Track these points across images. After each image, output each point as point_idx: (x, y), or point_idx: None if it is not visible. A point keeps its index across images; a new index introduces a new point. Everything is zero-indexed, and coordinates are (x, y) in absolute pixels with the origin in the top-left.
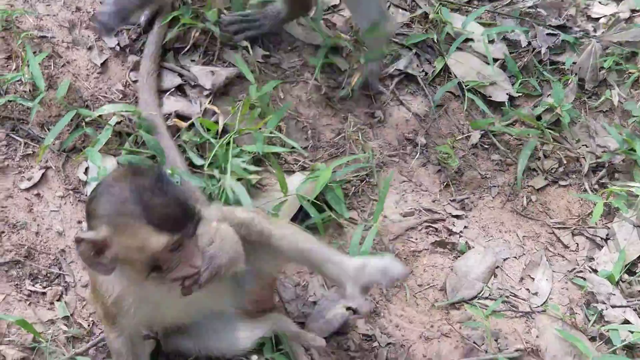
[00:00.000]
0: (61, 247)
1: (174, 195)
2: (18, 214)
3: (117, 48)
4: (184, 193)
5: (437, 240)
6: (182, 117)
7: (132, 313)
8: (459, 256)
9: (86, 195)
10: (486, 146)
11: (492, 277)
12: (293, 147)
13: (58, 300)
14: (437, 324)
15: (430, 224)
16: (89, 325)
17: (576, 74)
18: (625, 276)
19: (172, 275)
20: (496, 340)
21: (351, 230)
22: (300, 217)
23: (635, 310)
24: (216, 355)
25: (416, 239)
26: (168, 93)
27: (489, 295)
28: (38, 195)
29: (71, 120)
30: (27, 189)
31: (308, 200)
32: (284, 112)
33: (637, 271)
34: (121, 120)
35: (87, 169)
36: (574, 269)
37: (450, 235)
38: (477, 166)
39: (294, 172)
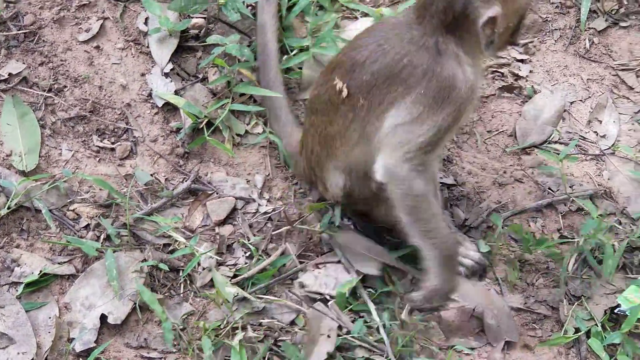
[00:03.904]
0: (126, 101)
1: None
2: (79, 68)
3: None
4: None
5: (504, 85)
6: None
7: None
8: (526, 101)
9: (147, 47)
10: None
11: (561, 120)
12: None
13: (128, 156)
14: (510, 170)
15: (495, 69)
16: (165, 180)
17: None
18: None
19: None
20: (571, 188)
21: None
22: None
23: None
24: None
25: (482, 85)
26: None
27: (559, 139)
28: (98, 47)
29: None
30: (86, 41)
31: None
32: None
33: None
34: None
35: (147, 19)
36: None
37: (516, 79)
38: (537, 9)
39: (356, 19)
